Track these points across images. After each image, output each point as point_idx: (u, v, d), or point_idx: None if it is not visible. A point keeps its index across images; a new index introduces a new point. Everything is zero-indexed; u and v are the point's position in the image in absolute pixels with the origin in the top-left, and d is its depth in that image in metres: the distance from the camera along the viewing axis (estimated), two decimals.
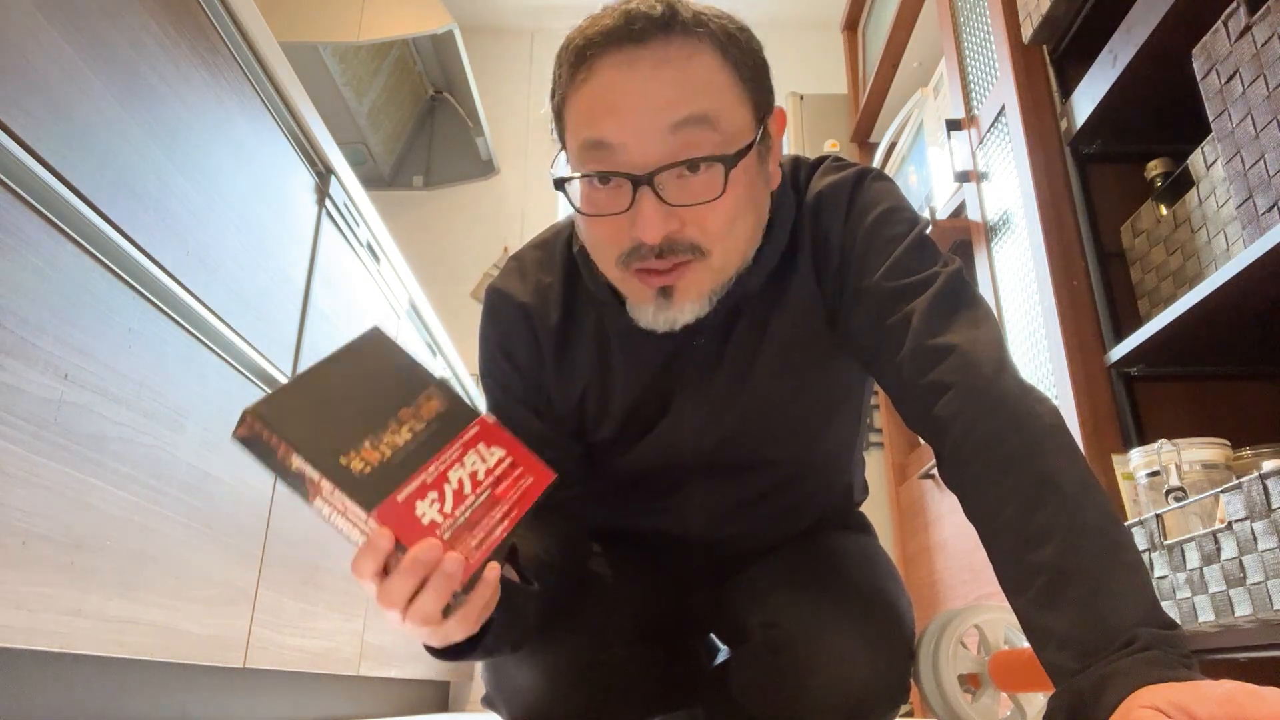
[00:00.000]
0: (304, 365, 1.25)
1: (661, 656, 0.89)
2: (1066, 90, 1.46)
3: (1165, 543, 0.96)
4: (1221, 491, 0.87)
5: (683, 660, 0.93)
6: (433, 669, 1.97)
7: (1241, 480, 0.84)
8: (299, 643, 1.26)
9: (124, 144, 0.87)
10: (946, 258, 0.72)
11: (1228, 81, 1.02)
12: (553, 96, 0.70)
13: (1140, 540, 0.99)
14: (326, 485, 0.53)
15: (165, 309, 0.93)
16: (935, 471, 2.09)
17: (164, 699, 1.01)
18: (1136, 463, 1.10)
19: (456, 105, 3.29)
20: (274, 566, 1.18)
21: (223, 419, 1.04)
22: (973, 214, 1.74)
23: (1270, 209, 0.96)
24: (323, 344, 1.32)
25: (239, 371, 1.09)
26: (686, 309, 0.68)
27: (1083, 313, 1.35)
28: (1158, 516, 0.97)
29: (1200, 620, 0.90)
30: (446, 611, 0.55)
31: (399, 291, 1.78)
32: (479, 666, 1.71)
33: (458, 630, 0.57)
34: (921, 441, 2.45)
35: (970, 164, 1.75)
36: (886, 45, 2.47)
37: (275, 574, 1.18)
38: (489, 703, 0.85)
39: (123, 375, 0.86)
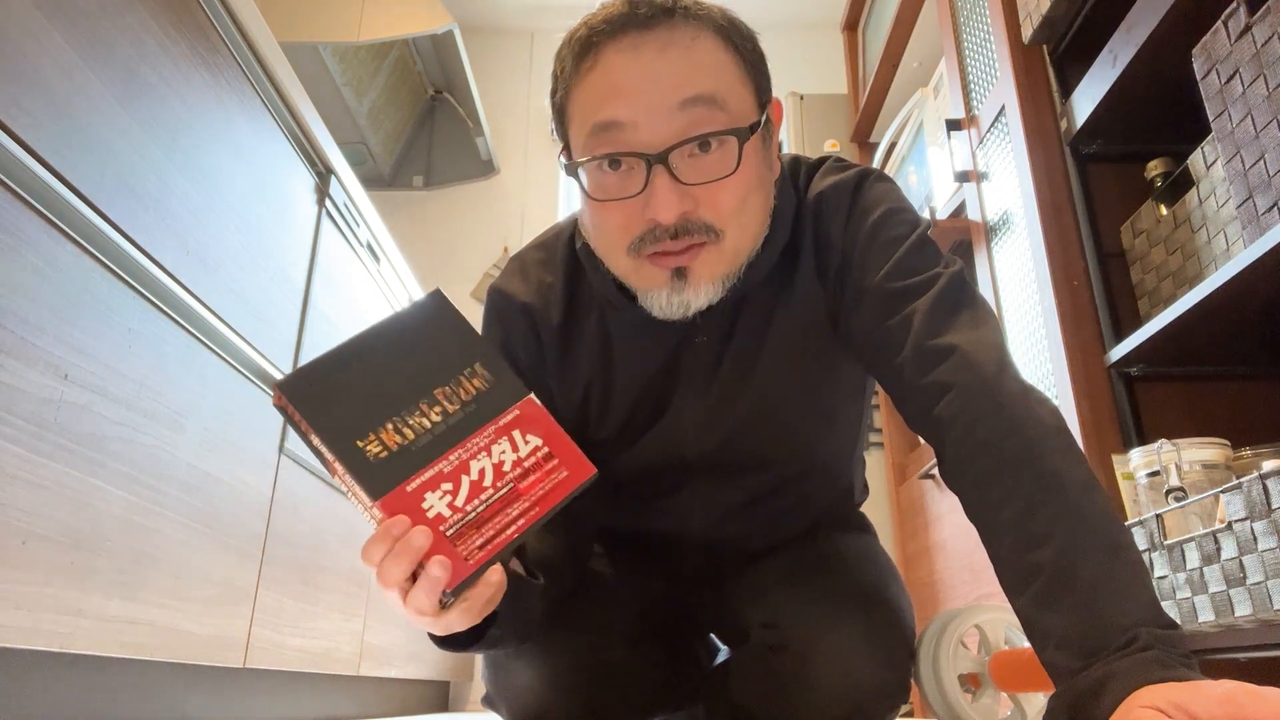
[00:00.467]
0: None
1: (662, 657, 0.89)
2: (1066, 90, 1.46)
3: (1165, 543, 0.96)
4: (1221, 491, 0.87)
5: (683, 660, 0.93)
6: (433, 669, 1.97)
7: (1241, 480, 0.84)
8: (299, 643, 1.26)
9: (124, 144, 0.87)
10: (948, 259, 0.72)
11: (1228, 81, 1.02)
12: (553, 94, 0.70)
13: (1140, 540, 0.99)
14: (340, 467, 0.52)
15: (165, 309, 0.93)
16: (935, 471, 2.09)
17: (164, 699, 1.01)
18: (1136, 463, 1.10)
19: (456, 105, 3.28)
20: (274, 566, 1.18)
21: (223, 419, 1.04)
22: (973, 214, 1.74)
23: (1270, 209, 0.96)
24: (323, 344, 1.32)
25: (239, 371, 1.09)
26: (701, 292, 0.68)
27: (1083, 313, 1.35)
28: (1158, 516, 0.97)
29: (1200, 620, 0.90)
30: (445, 604, 0.55)
31: (399, 291, 1.78)
32: (479, 667, 1.71)
33: (459, 621, 0.57)
34: (921, 441, 2.45)
35: (970, 164, 1.75)
36: (886, 45, 2.47)
37: (275, 574, 1.18)
38: (489, 703, 0.85)
39: (122, 375, 0.86)
